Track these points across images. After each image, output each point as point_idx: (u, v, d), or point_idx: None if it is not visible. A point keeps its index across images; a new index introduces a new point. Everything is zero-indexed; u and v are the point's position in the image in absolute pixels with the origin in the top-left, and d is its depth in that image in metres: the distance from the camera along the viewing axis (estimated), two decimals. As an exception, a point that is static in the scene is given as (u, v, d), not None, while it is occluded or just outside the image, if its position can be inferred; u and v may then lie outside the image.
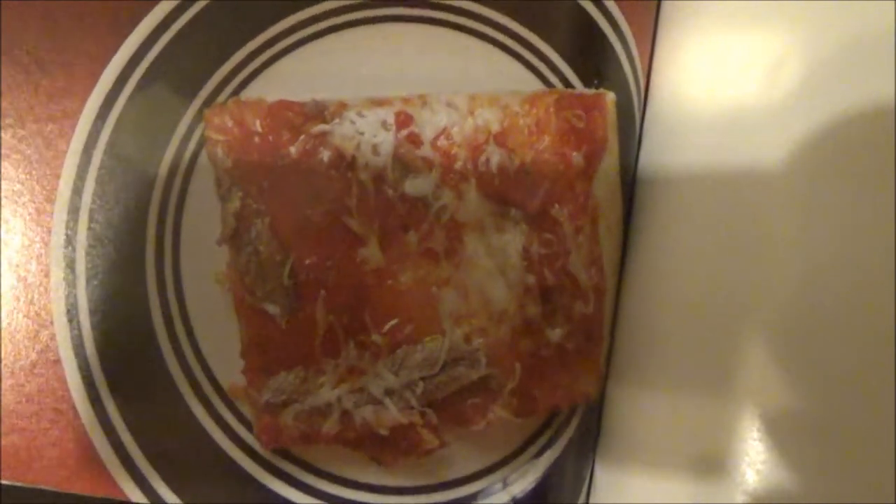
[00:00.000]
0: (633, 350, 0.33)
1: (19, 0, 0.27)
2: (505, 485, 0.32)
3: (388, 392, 0.29)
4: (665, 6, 0.34)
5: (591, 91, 0.32)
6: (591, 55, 0.32)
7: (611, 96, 0.32)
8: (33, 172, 0.27)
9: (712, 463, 0.28)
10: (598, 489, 0.34)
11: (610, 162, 0.33)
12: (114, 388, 0.28)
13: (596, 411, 0.35)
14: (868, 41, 0.25)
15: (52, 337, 0.27)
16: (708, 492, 0.28)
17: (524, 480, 0.33)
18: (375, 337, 0.29)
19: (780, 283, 0.27)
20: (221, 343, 0.29)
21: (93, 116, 0.27)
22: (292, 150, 0.28)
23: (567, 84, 0.32)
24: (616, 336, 0.34)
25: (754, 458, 0.27)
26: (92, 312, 0.28)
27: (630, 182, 0.35)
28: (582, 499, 0.35)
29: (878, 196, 0.24)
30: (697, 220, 0.30)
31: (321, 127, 0.28)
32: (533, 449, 0.33)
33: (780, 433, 0.26)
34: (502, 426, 0.31)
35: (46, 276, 0.27)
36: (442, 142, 0.29)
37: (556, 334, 0.32)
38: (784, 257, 0.27)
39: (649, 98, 0.34)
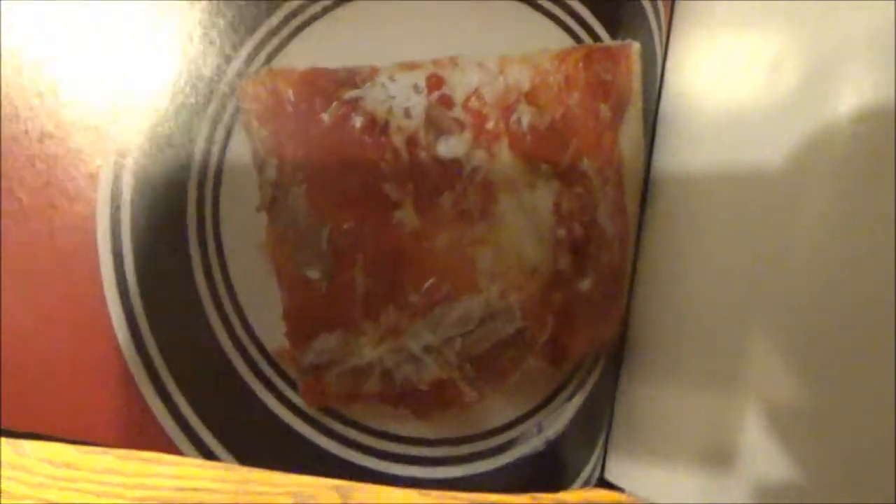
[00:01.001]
0: (646, 342, 0.34)
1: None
2: (539, 430, 0.33)
3: (428, 349, 0.30)
4: (679, 6, 0.34)
5: (618, 43, 0.32)
6: (618, 6, 0.32)
7: (636, 46, 0.32)
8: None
9: (719, 455, 0.29)
10: (610, 474, 0.36)
11: (634, 112, 0.33)
12: (165, 355, 0.29)
13: (615, 355, 0.36)
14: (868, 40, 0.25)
15: (104, 305, 0.28)
16: (715, 483, 0.29)
17: (557, 424, 0.34)
18: (413, 297, 0.30)
19: (785, 280, 0.28)
20: (265, 308, 0.29)
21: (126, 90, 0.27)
22: (325, 116, 0.28)
23: (594, 37, 0.32)
24: (629, 329, 0.35)
25: (761, 451, 0.28)
26: (140, 281, 0.28)
27: (652, 130, 0.35)
28: (602, 438, 0.36)
29: (879, 196, 0.25)
30: (707, 218, 0.31)
31: (353, 93, 0.28)
32: (564, 394, 0.34)
33: (786, 428, 0.27)
34: (536, 376, 0.32)
35: (95, 252, 0.28)
36: (473, 103, 0.29)
37: (585, 284, 0.32)
38: (789, 256, 0.27)
39: (662, 96, 0.34)
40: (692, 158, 0.32)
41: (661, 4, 0.33)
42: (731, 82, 0.30)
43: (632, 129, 0.33)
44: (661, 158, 0.34)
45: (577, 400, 0.34)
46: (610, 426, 0.36)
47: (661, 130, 0.34)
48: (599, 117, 0.31)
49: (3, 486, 0.34)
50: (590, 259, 0.32)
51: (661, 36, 0.34)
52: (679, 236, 0.32)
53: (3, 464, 0.34)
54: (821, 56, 0.26)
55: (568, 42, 0.31)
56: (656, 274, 0.34)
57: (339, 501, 0.36)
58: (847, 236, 0.26)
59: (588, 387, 0.35)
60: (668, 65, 0.34)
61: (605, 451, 0.36)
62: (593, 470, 0.35)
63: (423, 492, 0.35)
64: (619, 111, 0.32)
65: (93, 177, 0.27)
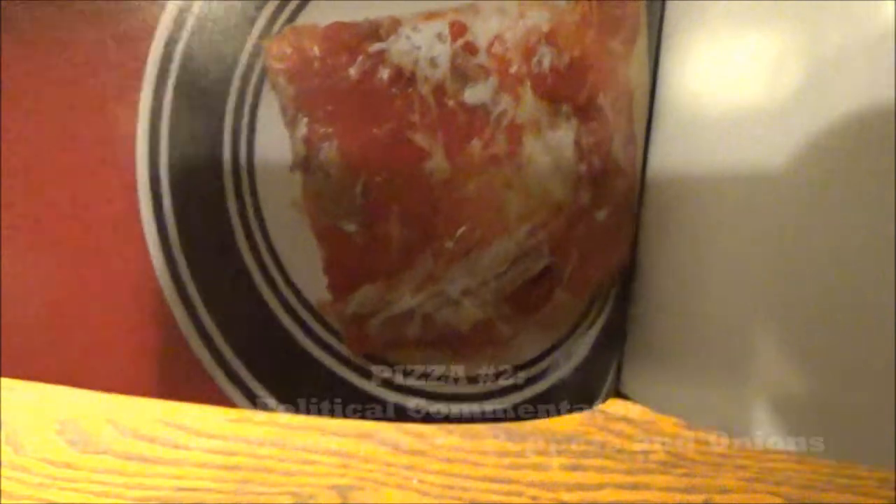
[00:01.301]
0: (648, 336, 0.36)
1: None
2: (568, 357, 0.35)
3: (466, 293, 0.31)
4: (677, 4, 0.34)
5: (628, -22, 0.32)
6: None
7: (643, -20, 0.33)
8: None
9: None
10: (625, 388, 0.37)
11: (641, 43, 0.34)
12: (211, 309, 0.29)
13: (626, 279, 0.37)
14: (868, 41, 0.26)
15: (150, 266, 0.29)
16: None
17: (582, 350, 0.35)
18: (448, 244, 0.30)
19: (786, 280, 0.29)
20: (306, 262, 0.30)
21: (159, 56, 0.27)
22: (352, 71, 0.28)
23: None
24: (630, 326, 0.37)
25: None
26: (183, 244, 0.29)
27: (655, 58, 0.35)
28: (617, 357, 0.38)
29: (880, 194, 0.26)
30: (707, 217, 0.32)
31: (378, 45, 0.28)
32: (586, 322, 0.36)
33: (789, 418, 0.29)
34: (562, 307, 0.34)
35: (136, 210, 0.28)
36: (496, 48, 0.29)
37: (601, 215, 0.33)
38: (790, 254, 0.29)
39: (656, 97, 0.35)
40: (694, 156, 0.32)
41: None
42: (732, 81, 0.30)
43: (640, 59, 0.34)
44: (661, 155, 0.35)
45: (598, 326, 0.36)
46: (622, 348, 0.38)
47: (662, 127, 0.35)
48: (612, 52, 0.32)
49: (3, 486, 0.34)
50: (606, 190, 0.33)
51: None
52: (681, 234, 0.33)
53: (3, 464, 0.34)
54: (822, 55, 0.27)
55: (581, -19, 0.31)
56: (659, 273, 0.35)
57: (338, 501, 0.37)
58: (847, 235, 0.27)
59: (605, 313, 0.36)
60: (669, 63, 0.34)
61: (620, 367, 0.38)
62: (611, 386, 0.37)
63: (424, 491, 0.37)
64: (628, 45, 0.33)
65: (127, 139, 0.27)
